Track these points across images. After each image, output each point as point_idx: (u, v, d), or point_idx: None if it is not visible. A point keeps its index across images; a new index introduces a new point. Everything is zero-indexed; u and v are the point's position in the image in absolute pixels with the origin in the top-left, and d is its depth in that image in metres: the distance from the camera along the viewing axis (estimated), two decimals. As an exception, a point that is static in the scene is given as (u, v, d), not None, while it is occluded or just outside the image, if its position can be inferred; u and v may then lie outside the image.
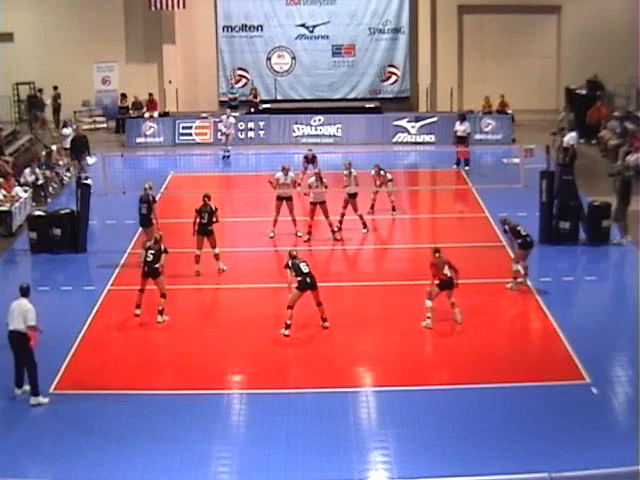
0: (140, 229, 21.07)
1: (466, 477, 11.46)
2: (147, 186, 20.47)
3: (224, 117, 30.32)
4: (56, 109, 35.04)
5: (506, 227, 18.83)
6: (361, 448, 12.74)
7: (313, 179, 21.92)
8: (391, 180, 23.53)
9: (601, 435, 12.89)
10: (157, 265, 17.16)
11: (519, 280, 18.52)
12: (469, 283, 18.88)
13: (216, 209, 19.48)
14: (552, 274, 19.29)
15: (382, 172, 23.44)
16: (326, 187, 21.78)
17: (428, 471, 11.97)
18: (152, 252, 17.18)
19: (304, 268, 16.43)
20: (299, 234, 21.66)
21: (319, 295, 16.61)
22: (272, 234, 21.73)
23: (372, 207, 23.64)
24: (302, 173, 25.34)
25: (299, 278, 16.43)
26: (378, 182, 23.49)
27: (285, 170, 21.76)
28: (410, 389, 14.43)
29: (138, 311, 17.29)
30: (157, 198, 21.57)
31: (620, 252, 20.89)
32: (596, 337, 16.22)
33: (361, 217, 22.20)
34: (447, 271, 16.75)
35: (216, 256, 19.49)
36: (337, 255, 21.28)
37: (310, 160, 25.55)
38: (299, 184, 25.16)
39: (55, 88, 34.99)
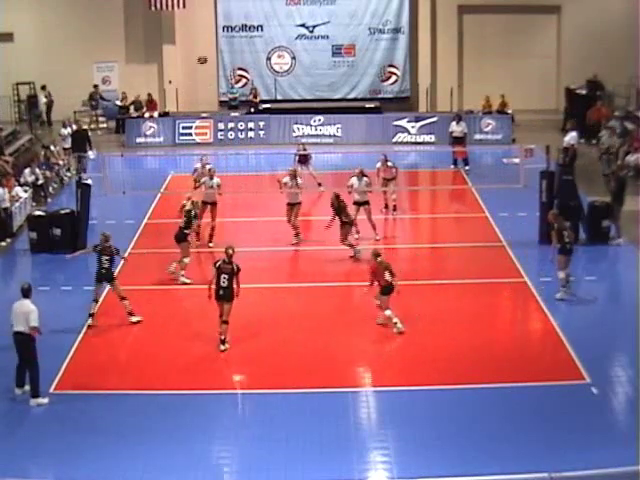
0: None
1: (466, 477, 11.46)
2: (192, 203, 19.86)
3: (206, 179, 21.99)
4: (49, 107, 35.28)
5: (555, 225, 18.41)
6: (361, 448, 12.74)
7: (288, 179, 21.54)
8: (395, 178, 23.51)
9: (601, 435, 12.89)
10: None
11: (563, 288, 18.00)
12: (469, 283, 18.94)
13: None
14: (552, 274, 19.26)
15: (390, 163, 23.28)
16: (300, 188, 21.53)
17: (428, 471, 11.97)
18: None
19: (222, 282, 15.63)
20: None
21: (229, 312, 15.73)
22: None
23: (386, 206, 23.55)
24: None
25: (215, 287, 15.74)
26: (383, 175, 23.32)
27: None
28: (410, 389, 14.43)
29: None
30: (158, 199, 21.68)
31: (620, 252, 20.90)
32: (596, 337, 16.23)
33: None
34: (388, 277, 16.45)
35: None
36: (337, 255, 21.23)
37: (303, 160, 25.47)
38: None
39: (43, 88, 35.20)
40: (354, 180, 21.42)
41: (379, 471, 12.31)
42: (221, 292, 15.73)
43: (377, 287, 16.58)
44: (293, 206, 21.50)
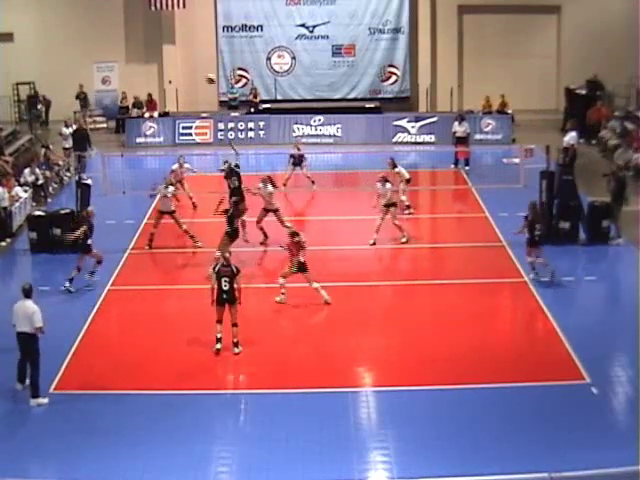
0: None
1: (466, 477, 11.46)
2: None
3: (160, 187, 21.67)
4: (47, 108, 35.47)
5: (528, 215, 18.79)
6: (361, 448, 12.74)
7: (261, 184, 21.23)
8: (409, 180, 23.40)
9: (601, 435, 12.89)
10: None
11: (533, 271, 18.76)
12: (469, 283, 18.95)
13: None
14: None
15: (397, 169, 23.20)
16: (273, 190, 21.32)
17: (428, 471, 11.97)
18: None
19: (224, 285, 15.58)
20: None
21: (236, 314, 15.72)
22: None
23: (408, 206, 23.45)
24: (290, 173, 25.39)
25: (217, 292, 15.67)
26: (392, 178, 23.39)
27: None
28: (410, 389, 14.42)
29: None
30: (158, 199, 21.67)
31: (620, 252, 20.90)
32: (596, 337, 16.22)
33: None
34: (302, 257, 17.40)
35: None
36: (336, 255, 21.24)
37: (297, 162, 25.41)
38: (284, 184, 25.04)
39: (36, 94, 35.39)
40: (378, 185, 21.22)
41: (379, 471, 12.30)
42: (224, 296, 15.66)
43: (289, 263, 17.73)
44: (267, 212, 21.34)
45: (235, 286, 15.68)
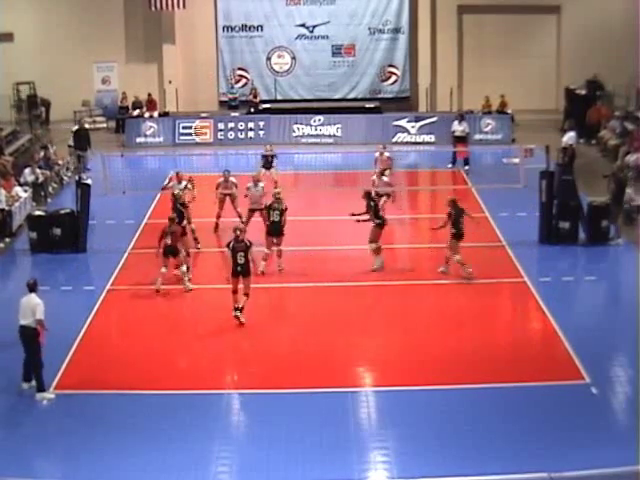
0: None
1: (466, 477, 11.45)
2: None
3: (222, 180, 22.36)
4: (47, 108, 35.50)
5: (451, 211, 19.11)
6: (361, 448, 12.74)
7: (251, 184, 21.32)
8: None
9: (601, 435, 12.89)
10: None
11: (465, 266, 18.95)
12: (469, 283, 18.93)
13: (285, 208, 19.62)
14: (552, 274, 19.31)
15: (387, 154, 23.60)
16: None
17: (428, 471, 11.96)
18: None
19: (239, 259, 16.86)
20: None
21: (249, 285, 16.95)
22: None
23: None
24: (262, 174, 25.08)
25: (232, 265, 16.94)
26: (380, 165, 23.58)
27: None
28: (410, 389, 14.43)
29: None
30: (158, 199, 21.72)
31: (620, 252, 20.90)
32: (596, 337, 16.23)
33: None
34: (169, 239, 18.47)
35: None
36: (336, 255, 21.24)
37: (267, 165, 24.86)
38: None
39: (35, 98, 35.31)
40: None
41: (379, 471, 12.31)
42: (239, 269, 16.86)
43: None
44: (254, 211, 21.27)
45: (249, 258, 16.91)
